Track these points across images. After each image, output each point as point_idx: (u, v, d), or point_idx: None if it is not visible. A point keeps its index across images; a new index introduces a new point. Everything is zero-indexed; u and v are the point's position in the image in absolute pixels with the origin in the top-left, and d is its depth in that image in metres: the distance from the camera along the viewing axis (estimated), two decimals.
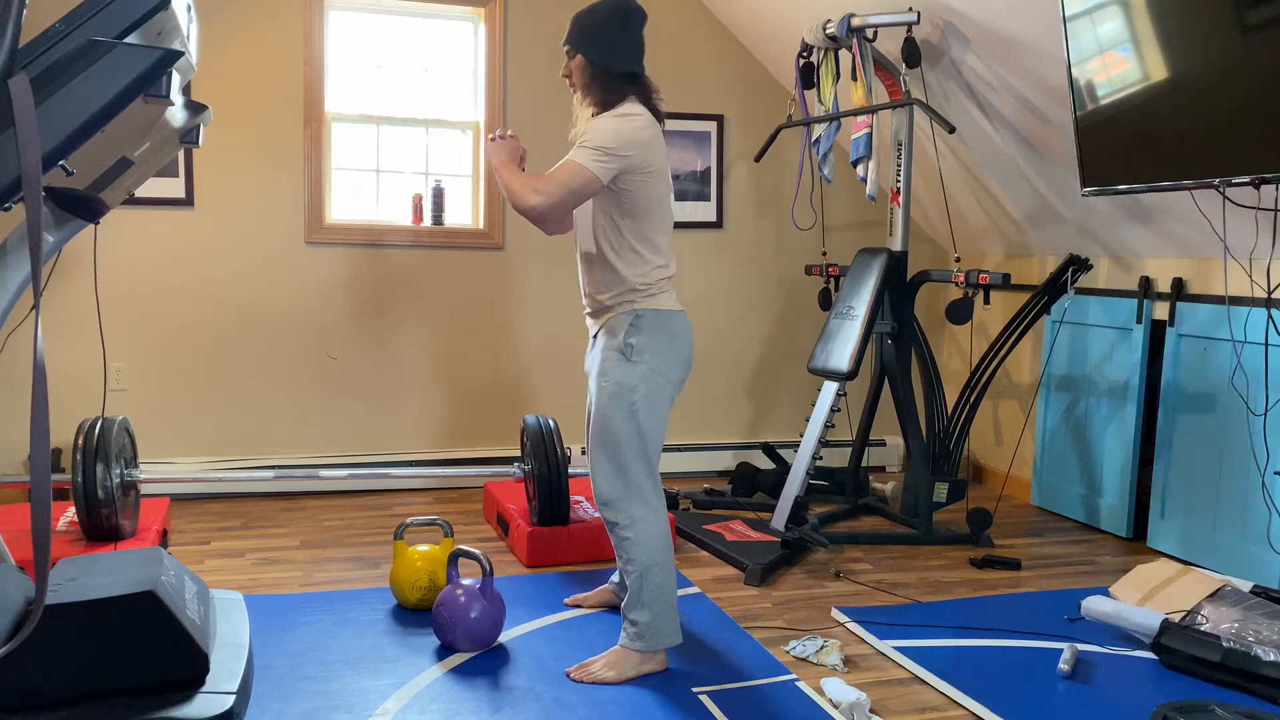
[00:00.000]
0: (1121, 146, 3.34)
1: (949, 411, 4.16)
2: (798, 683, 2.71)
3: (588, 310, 2.84)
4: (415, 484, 4.80)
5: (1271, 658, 2.68)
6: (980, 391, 4.12)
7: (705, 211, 5.14)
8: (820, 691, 2.65)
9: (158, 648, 1.81)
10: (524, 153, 2.79)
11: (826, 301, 4.78)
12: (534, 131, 4.87)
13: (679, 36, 5.02)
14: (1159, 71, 3.14)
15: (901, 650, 2.91)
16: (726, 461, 5.16)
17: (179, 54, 2.00)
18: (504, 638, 2.97)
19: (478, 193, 4.90)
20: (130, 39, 1.99)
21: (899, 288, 4.12)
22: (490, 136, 2.80)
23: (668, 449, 4.88)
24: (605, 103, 2.71)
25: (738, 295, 5.23)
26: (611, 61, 2.70)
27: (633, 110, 2.69)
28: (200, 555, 3.74)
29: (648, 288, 2.72)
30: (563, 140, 5.01)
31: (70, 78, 1.90)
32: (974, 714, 2.56)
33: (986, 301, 4.03)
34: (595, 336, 2.82)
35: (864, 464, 4.59)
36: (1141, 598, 3.14)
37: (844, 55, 4.13)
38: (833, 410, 4.15)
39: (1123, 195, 3.68)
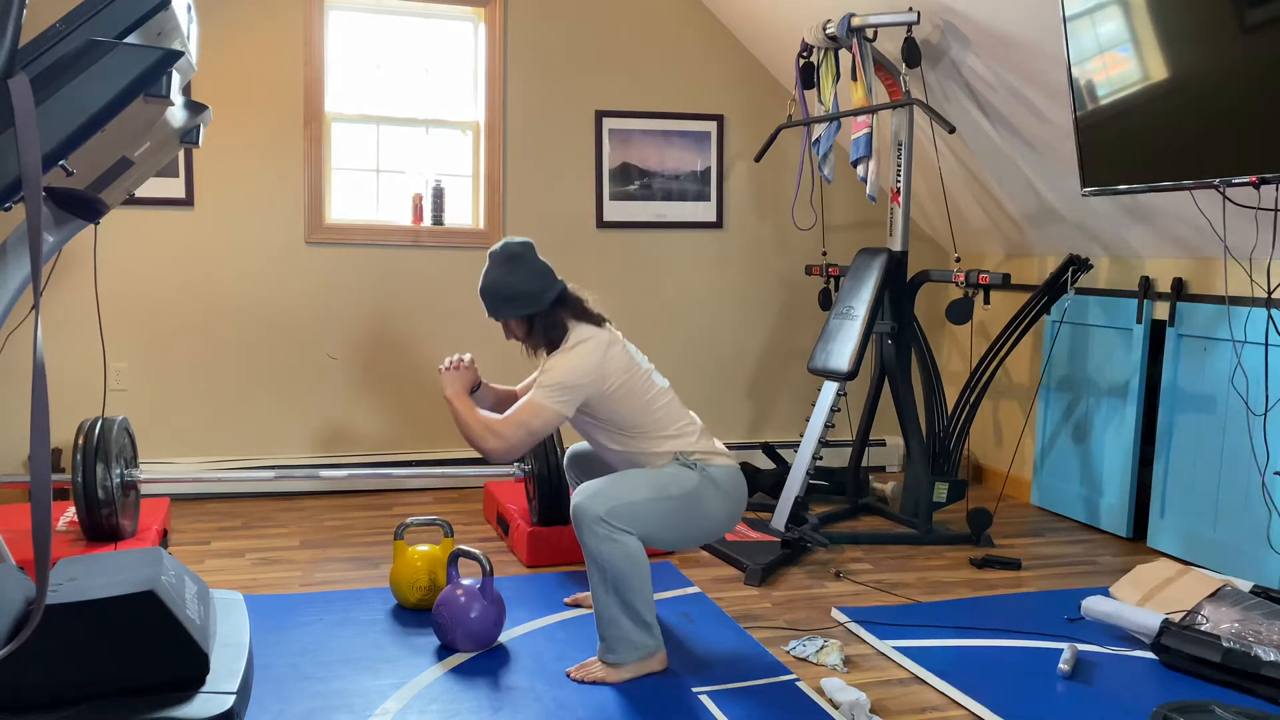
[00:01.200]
0: (1121, 146, 3.34)
1: (949, 411, 4.16)
2: (798, 683, 2.71)
3: None
4: (415, 484, 4.80)
5: (1271, 658, 2.68)
6: (980, 391, 4.12)
7: (705, 211, 5.14)
8: (820, 691, 2.65)
9: (158, 648, 1.81)
10: (479, 382, 2.93)
11: (826, 301, 4.78)
12: (534, 131, 4.88)
13: (679, 36, 5.02)
14: (1159, 71, 3.14)
15: (901, 650, 2.91)
16: None
17: (179, 54, 2.01)
18: (504, 638, 2.97)
19: (478, 193, 4.90)
20: (130, 39, 1.99)
21: (899, 288, 4.12)
22: (443, 365, 2.89)
23: None
24: (551, 341, 2.82)
25: (738, 295, 5.23)
26: (535, 305, 2.81)
27: (580, 336, 2.79)
28: (200, 555, 3.74)
29: (694, 453, 2.82)
30: (563, 140, 5.02)
31: (70, 78, 1.90)
32: (974, 714, 2.56)
33: (986, 301, 4.03)
34: None
35: (864, 464, 4.59)
36: (1141, 598, 3.14)
37: (844, 55, 4.13)
38: (833, 410, 4.15)
39: (1123, 195, 3.68)
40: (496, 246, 2.88)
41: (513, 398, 3.04)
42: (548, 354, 2.83)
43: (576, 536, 2.66)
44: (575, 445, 3.18)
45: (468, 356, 2.92)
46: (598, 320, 2.88)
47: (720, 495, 2.80)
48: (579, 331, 2.81)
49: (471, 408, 2.78)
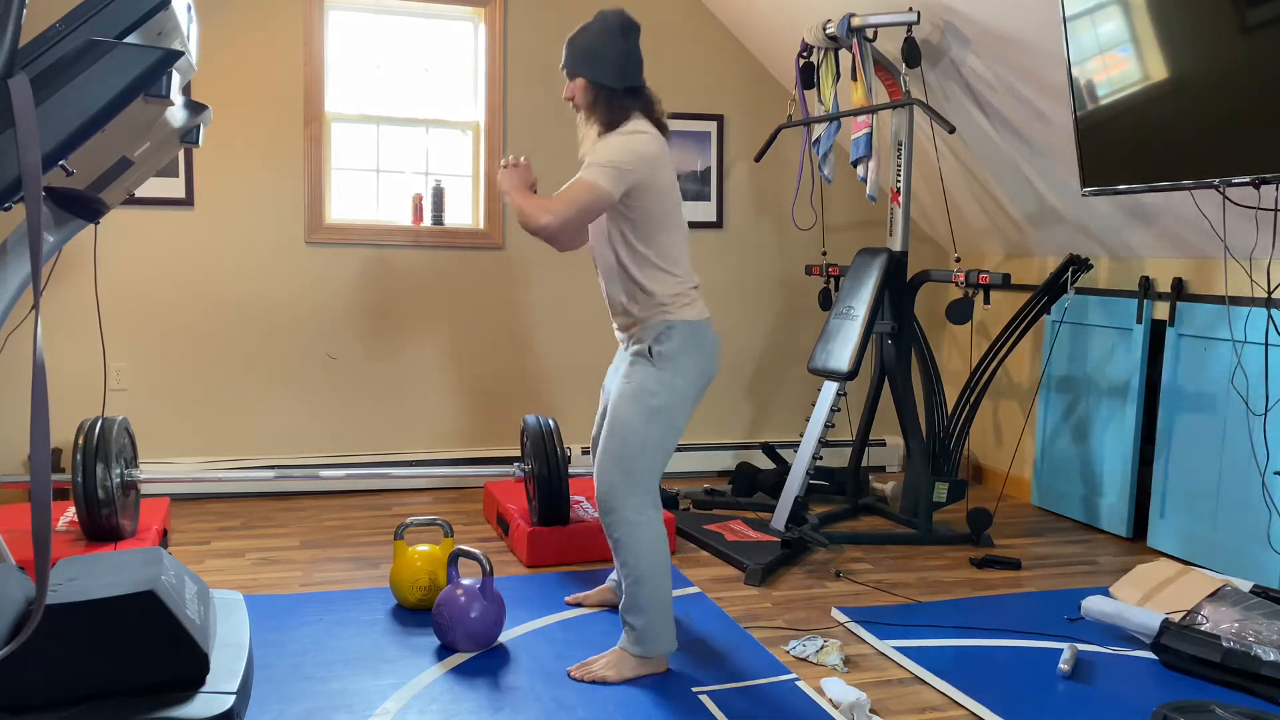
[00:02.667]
0: (1121, 146, 3.34)
1: (949, 411, 4.16)
2: (798, 683, 2.71)
3: (616, 324, 2.86)
4: (415, 484, 4.80)
5: (1271, 658, 2.68)
6: (980, 391, 4.12)
7: (705, 211, 5.14)
8: (820, 691, 2.65)
9: (158, 648, 1.81)
10: (535, 180, 2.81)
11: (826, 301, 4.78)
12: (534, 131, 4.88)
13: (679, 36, 5.02)
14: (1159, 71, 3.14)
15: (901, 650, 2.91)
16: (726, 461, 5.16)
17: (179, 54, 2.01)
18: (504, 638, 2.97)
19: (478, 193, 4.90)
20: (130, 39, 1.99)
21: (899, 288, 4.12)
22: (502, 163, 2.81)
23: None
24: (610, 122, 2.72)
25: (738, 295, 5.23)
26: (613, 79, 2.72)
27: (639, 127, 2.71)
28: (200, 555, 3.74)
29: (676, 299, 2.74)
30: (563, 140, 5.02)
31: (70, 78, 1.90)
32: (974, 714, 2.56)
33: (986, 301, 4.03)
34: (624, 347, 2.84)
35: (864, 464, 4.59)
36: (1141, 598, 3.14)
37: (844, 55, 4.13)
38: (833, 410, 4.15)
39: (1123, 195, 3.68)
40: (612, 10, 2.76)
41: None
42: (601, 134, 2.73)
43: (605, 526, 2.71)
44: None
45: (524, 158, 2.83)
46: (663, 128, 2.79)
47: (694, 359, 2.73)
48: (639, 123, 2.72)
49: (527, 193, 2.72)
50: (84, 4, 1.98)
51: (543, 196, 2.70)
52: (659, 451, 2.71)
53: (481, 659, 2.83)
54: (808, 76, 4.26)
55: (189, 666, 1.83)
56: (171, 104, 2.21)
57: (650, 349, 2.71)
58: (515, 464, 4.03)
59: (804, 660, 2.86)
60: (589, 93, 2.74)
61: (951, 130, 3.69)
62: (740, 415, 5.28)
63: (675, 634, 2.76)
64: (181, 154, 4.46)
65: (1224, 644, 2.76)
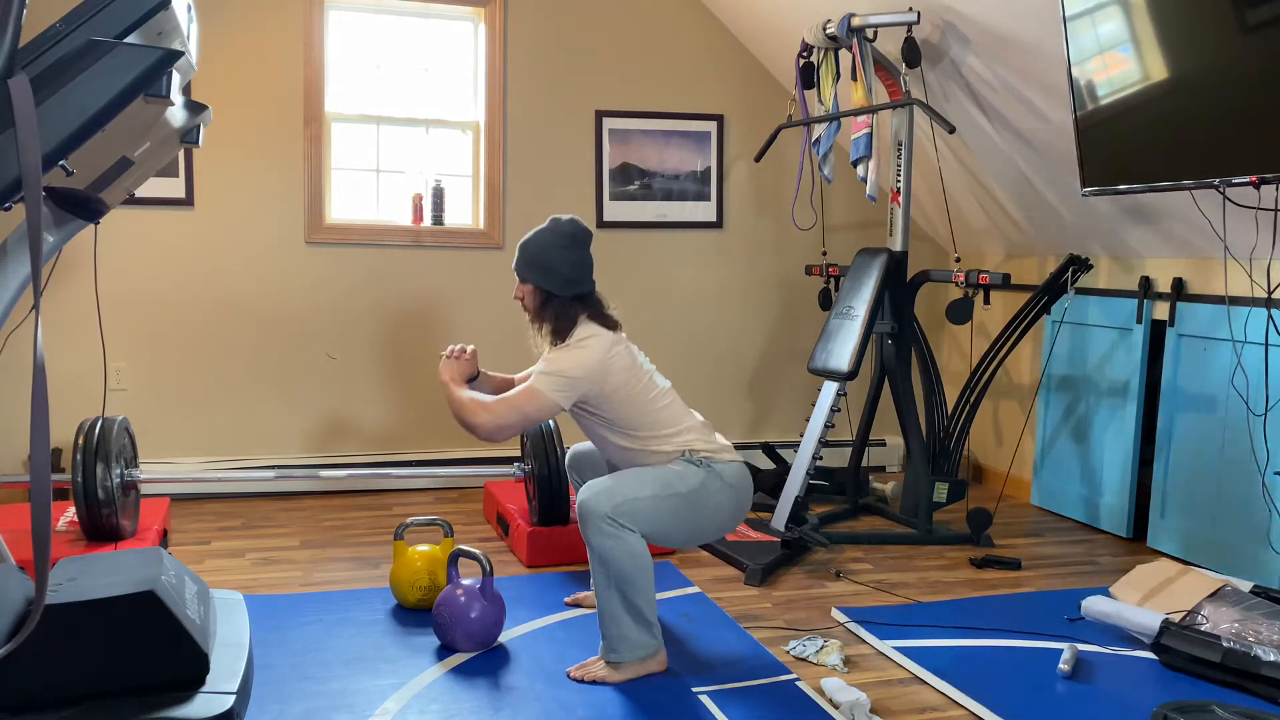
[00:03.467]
0: (1121, 146, 3.34)
1: (949, 411, 4.16)
2: (798, 683, 2.71)
3: None
4: (415, 484, 4.80)
5: (1271, 658, 2.68)
6: (980, 391, 4.12)
7: (705, 211, 5.14)
8: (820, 691, 2.65)
9: (158, 648, 1.81)
10: (476, 373, 2.96)
11: (826, 301, 4.78)
12: (534, 131, 4.88)
13: (679, 36, 5.02)
14: (1159, 71, 3.14)
15: (901, 650, 2.91)
16: None
17: (179, 54, 2.01)
18: (504, 638, 2.97)
19: (478, 193, 4.90)
20: (130, 39, 1.99)
21: (899, 288, 4.12)
22: (444, 352, 2.93)
23: None
24: (558, 330, 2.83)
25: (738, 295, 5.23)
26: (560, 287, 2.83)
27: (586, 333, 2.80)
28: (200, 555, 3.74)
29: (695, 447, 2.81)
30: (564, 141, 5.02)
31: (70, 78, 1.90)
32: (974, 714, 2.56)
33: (986, 301, 4.03)
34: None
35: (864, 464, 4.59)
36: (1141, 598, 3.14)
37: (844, 55, 4.13)
38: (833, 410, 4.15)
39: (1123, 195, 3.68)
40: (565, 218, 2.89)
41: (510, 386, 3.08)
42: (551, 344, 2.84)
43: (581, 533, 2.66)
44: (577, 445, 3.18)
45: (470, 348, 2.95)
46: (612, 325, 2.88)
47: (726, 491, 2.80)
48: (586, 328, 2.82)
49: (463, 389, 2.83)
50: (84, 4, 1.98)
51: (483, 396, 2.81)
52: (655, 523, 2.69)
53: (481, 659, 2.83)
54: (808, 76, 4.26)
55: (189, 666, 1.84)
56: (171, 104, 2.21)
57: (702, 456, 2.79)
58: (515, 464, 4.03)
59: (804, 660, 2.86)
60: (537, 298, 2.87)
61: (951, 130, 3.69)
62: (740, 415, 5.28)
63: (653, 636, 2.71)
64: (181, 154, 4.46)
65: (1224, 644, 2.76)
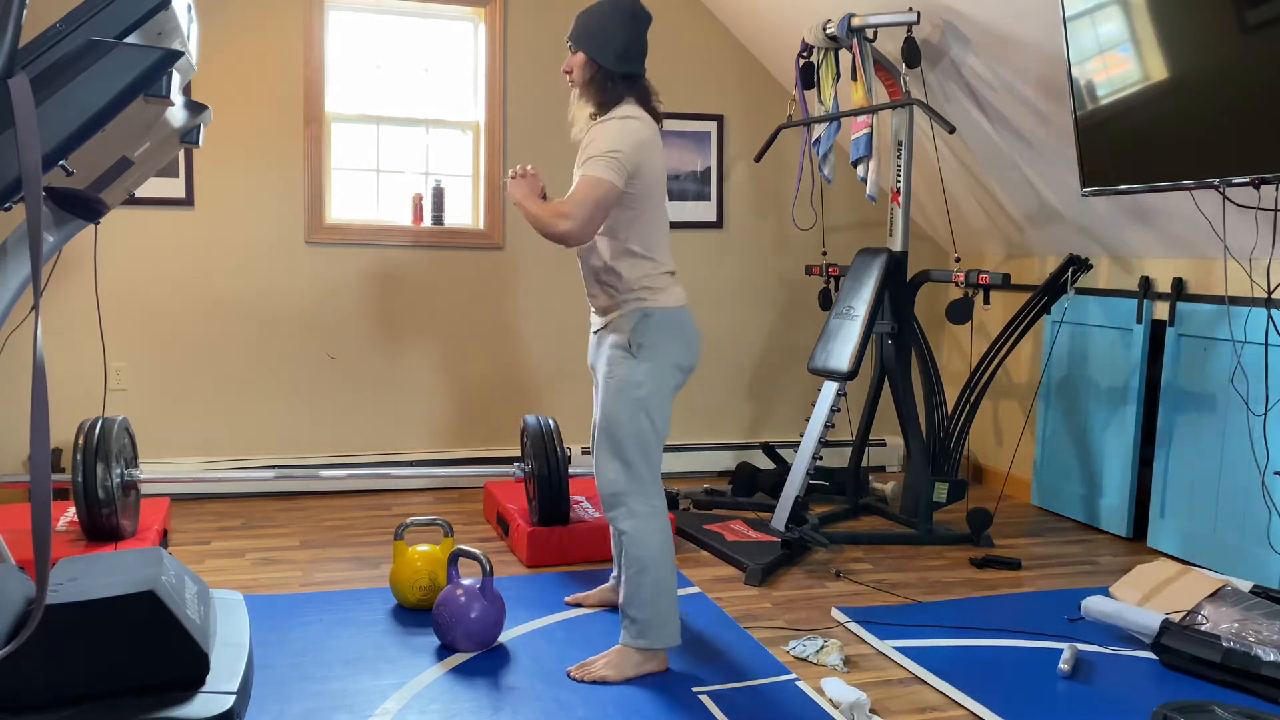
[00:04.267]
0: (1121, 146, 3.34)
1: (949, 411, 4.16)
2: (798, 683, 2.71)
3: (593, 306, 2.85)
4: (415, 484, 4.80)
5: (1271, 658, 2.68)
6: (980, 391, 4.12)
7: (705, 211, 5.14)
8: (820, 691, 2.65)
9: (158, 648, 1.81)
10: (544, 186, 2.81)
11: (826, 301, 4.78)
12: (534, 131, 4.88)
13: (679, 36, 5.02)
14: (1159, 71, 3.14)
15: (901, 650, 2.91)
16: (726, 461, 5.16)
17: (179, 54, 2.01)
18: (504, 638, 2.97)
19: (478, 193, 4.90)
20: (130, 39, 1.99)
21: (899, 288, 4.12)
22: (510, 174, 2.81)
23: (668, 449, 4.87)
24: (602, 104, 2.73)
25: (738, 295, 5.23)
26: (612, 62, 2.71)
27: (631, 113, 2.71)
28: (200, 555, 3.74)
29: (651, 286, 2.73)
30: (563, 141, 5.02)
31: (70, 78, 1.90)
32: (974, 714, 2.56)
33: (986, 301, 4.03)
34: (598, 332, 2.83)
35: (864, 464, 4.59)
36: (1141, 598, 3.14)
37: (844, 55, 4.13)
38: (833, 410, 4.15)
39: (1123, 195, 3.68)
40: None
41: None
42: (592, 117, 2.74)
43: (611, 523, 2.74)
44: None
45: (531, 166, 2.82)
46: (656, 116, 2.78)
47: (673, 345, 2.74)
48: (630, 108, 2.72)
49: (538, 201, 2.72)
50: (84, 4, 1.98)
51: (555, 201, 2.70)
52: (653, 440, 2.72)
53: (481, 659, 2.83)
54: (808, 76, 4.26)
55: (189, 666, 1.83)
56: (171, 104, 2.21)
57: (630, 342, 2.71)
58: (515, 464, 4.03)
59: (804, 660, 2.86)
60: (587, 70, 2.74)
61: (951, 130, 3.69)
62: (740, 415, 5.28)
63: (679, 628, 2.75)
64: (181, 154, 4.46)
65: (1224, 644, 2.76)
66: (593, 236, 2.69)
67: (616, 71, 2.72)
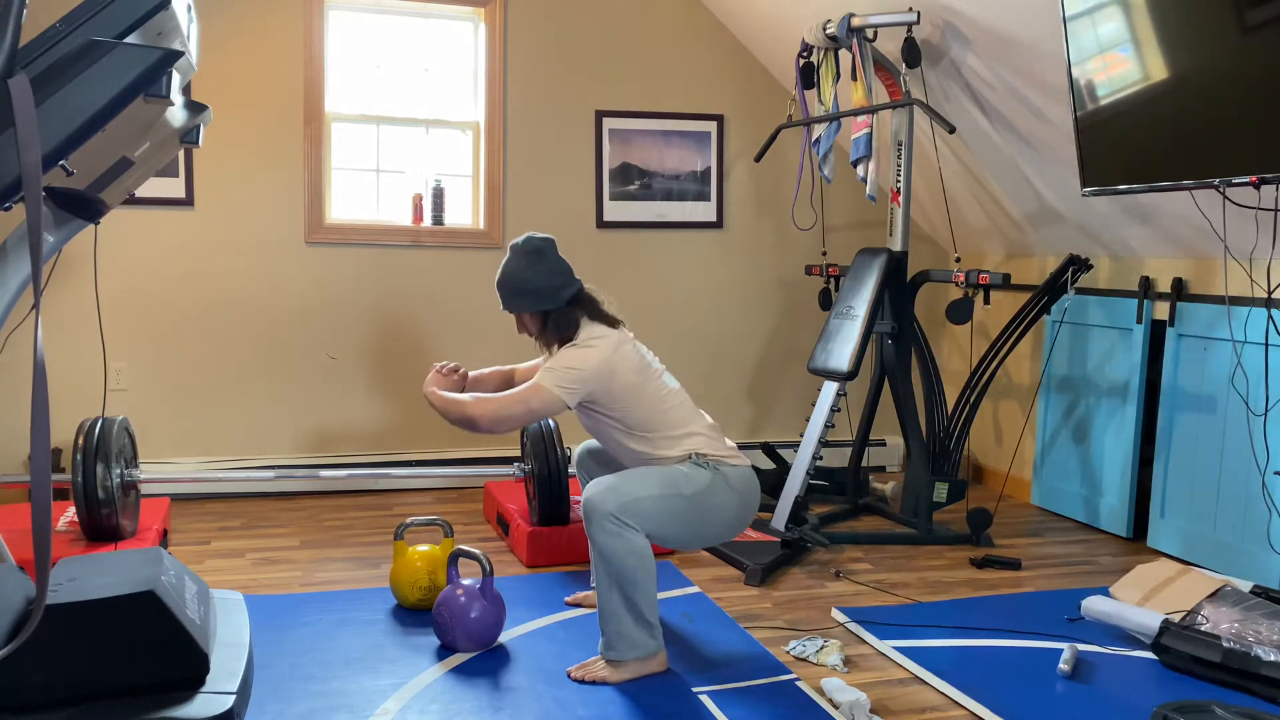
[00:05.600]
0: (1121, 146, 3.34)
1: (949, 411, 4.16)
2: (798, 683, 2.71)
3: None
4: (415, 484, 4.80)
5: (1271, 658, 2.68)
6: (980, 391, 4.12)
7: (705, 211, 5.14)
8: (820, 691, 2.65)
9: (158, 648, 1.81)
10: (464, 386, 2.97)
11: (826, 301, 4.78)
12: (534, 131, 4.88)
13: (679, 36, 5.02)
14: (1159, 71, 3.14)
15: (901, 650, 2.91)
16: None
17: (179, 54, 2.01)
18: (504, 638, 2.97)
19: (478, 193, 4.90)
20: (130, 39, 1.99)
21: (899, 288, 4.12)
22: (437, 365, 2.96)
23: None
24: (564, 339, 2.84)
25: (738, 295, 5.23)
26: (550, 301, 2.84)
27: (592, 334, 2.82)
28: (200, 555, 3.74)
29: (703, 450, 2.82)
30: (564, 141, 5.02)
31: (70, 78, 1.90)
32: (974, 714, 2.56)
33: (986, 301, 4.03)
34: None
35: (864, 464, 4.59)
36: (1141, 598, 3.14)
37: (844, 55, 4.13)
38: (833, 410, 4.15)
39: (1123, 195, 3.68)
40: (519, 240, 2.89)
41: (509, 380, 3.10)
42: (559, 348, 2.84)
43: (585, 530, 2.67)
44: (586, 442, 3.18)
45: (461, 369, 2.97)
46: (612, 322, 2.89)
47: (732, 496, 2.80)
48: (592, 329, 2.84)
49: (444, 394, 2.83)
50: (84, 4, 1.98)
51: (480, 395, 2.83)
52: (659, 523, 2.69)
53: (481, 659, 2.83)
54: (808, 76, 4.26)
55: (189, 666, 1.83)
56: (171, 104, 2.21)
57: (710, 460, 2.79)
58: (515, 464, 4.03)
59: (804, 660, 2.86)
60: (536, 321, 2.88)
61: (951, 130, 3.69)
62: (740, 415, 5.28)
63: (653, 637, 2.70)
64: (181, 154, 4.46)
65: (1224, 644, 2.76)
66: (506, 432, 2.82)
67: (561, 305, 2.84)
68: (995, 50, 3.77)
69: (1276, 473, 3.45)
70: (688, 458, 2.80)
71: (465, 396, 2.80)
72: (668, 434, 2.82)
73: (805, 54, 4.25)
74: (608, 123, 4.98)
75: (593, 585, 3.18)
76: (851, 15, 3.94)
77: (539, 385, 2.73)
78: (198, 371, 4.56)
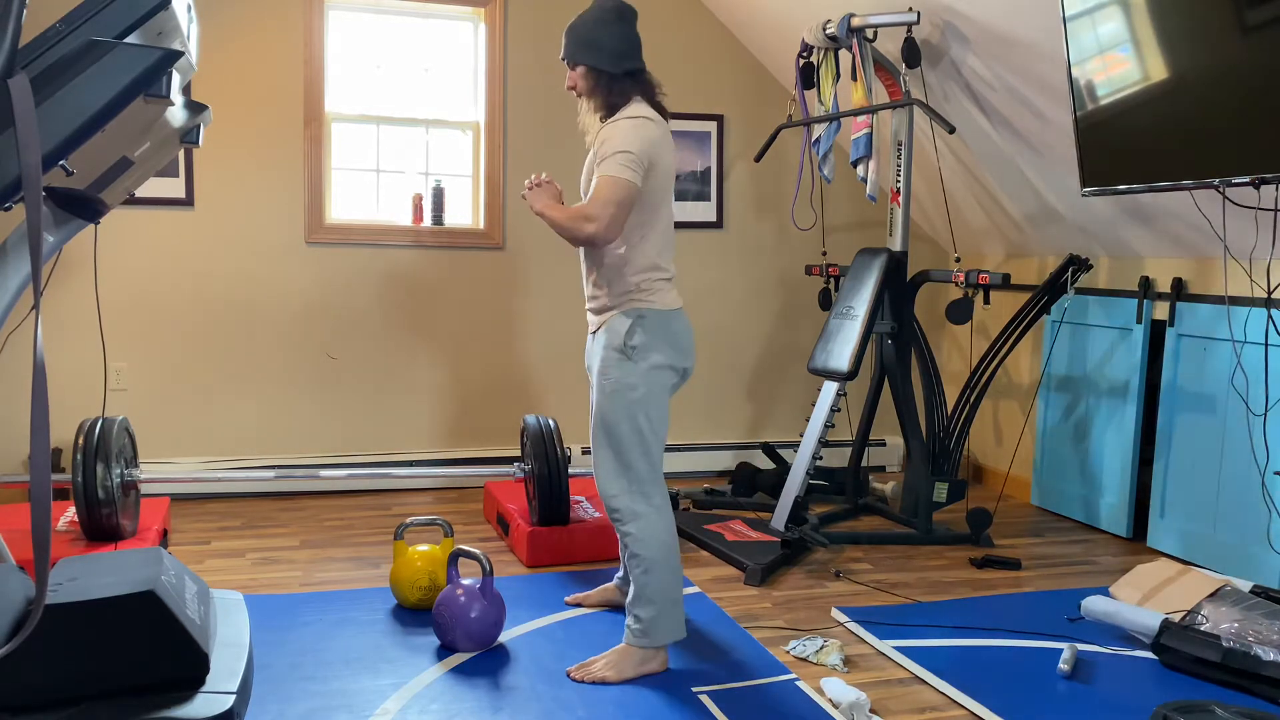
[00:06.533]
0: (1121, 146, 3.34)
1: (949, 411, 4.16)
2: (798, 683, 2.71)
3: (590, 307, 2.85)
4: (415, 484, 4.80)
5: (1271, 658, 2.68)
6: (980, 391, 4.12)
7: (705, 211, 5.14)
8: (820, 691, 2.65)
9: (158, 648, 1.81)
10: (561, 192, 2.83)
11: (826, 301, 4.78)
12: (534, 131, 4.88)
13: (679, 36, 5.02)
14: (1159, 71, 3.14)
15: (901, 650, 2.91)
16: (726, 461, 5.16)
17: (179, 54, 2.01)
18: (504, 638, 2.97)
19: (478, 193, 4.90)
20: (130, 39, 1.99)
21: (899, 288, 4.12)
22: (527, 183, 2.83)
23: (668, 449, 4.87)
24: (610, 106, 2.75)
25: (738, 295, 5.23)
26: (611, 64, 2.74)
27: (639, 111, 2.73)
28: (200, 555, 3.74)
29: (649, 287, 2.73)
30: (562, 141, 5.02)
31: (70, 78, 1.90)
32: (974, 714, 2.56)
33: (986, 301, 4.03)
34: (595, 333, 2.82)
35: (864, 464, 4.59)
36: (1141, 598, 3.14)
37: (844, 55, 4.13)
38: (833, 410, 4.15)
39: (1123, 195, 3.68)
40: None
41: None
42: (602, 120, 2.75)
43: (616, 527, 2.75)
44: None
45: (545, 175, 2.84)
46: (664, 112, 2.80)
47: (665, 348, 2.72)
48: (639, 107, 2.74)
49: (560, 208, 2.73)
50: (84, 4, 1.98)
51: (578, 205, 2.70)
52: (652, 441, 2.72)
53: (481, 659, 2.83)
54: (808, 76, 4.26)
55: (189, 666, 1.83)
56: (171, 104, 2.21)
57: (625, 344, 2.71)
58: (515, 464, 4.03)
59: (804, 660, 2.86)
60: (589, 79, 2.77)
61: (951, 130, 3.69)
62: (740, 415, 5.28)
63: (684, 623, 2.77)
64: (181, 154, 4.46)
65: (1224, 644, 2.76)
66: (619, 235, 2.69)
67: (618, 72, 2.74)
68: (995, 50, 3.77)
69: (1276, 473, 3.45)
70: (629, 292, 2.70)
71: (571, 215, 2.65)
72: (645, 254, 2.71)
73: (805, 54, 4.25)
74: None
75: (620, 577, 3.19)
76: (851, 15, 3.94)
77: (608, 177, 2.60)
78: (198, 372, 4.56)
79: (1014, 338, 4.13)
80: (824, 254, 5.09)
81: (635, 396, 2.69)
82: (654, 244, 2.75)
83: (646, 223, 2.73)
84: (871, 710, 2.54)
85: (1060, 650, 2.94)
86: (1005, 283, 3.87)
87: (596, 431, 2.75)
